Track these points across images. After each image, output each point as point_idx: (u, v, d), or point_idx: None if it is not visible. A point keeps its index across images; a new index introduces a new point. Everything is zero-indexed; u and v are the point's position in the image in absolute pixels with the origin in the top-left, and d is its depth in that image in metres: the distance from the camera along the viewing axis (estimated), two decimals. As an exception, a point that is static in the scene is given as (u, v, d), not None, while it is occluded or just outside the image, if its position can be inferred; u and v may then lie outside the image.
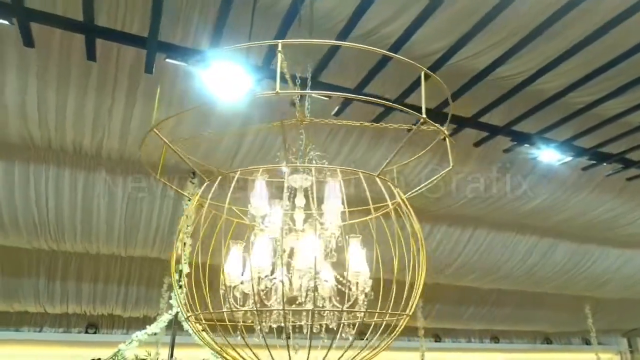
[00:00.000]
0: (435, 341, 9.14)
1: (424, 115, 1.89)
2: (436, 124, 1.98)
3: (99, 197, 4.99)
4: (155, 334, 4.87)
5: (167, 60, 3.42)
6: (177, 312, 4.74)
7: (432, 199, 5.65)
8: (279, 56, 1.77)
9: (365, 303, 2.13)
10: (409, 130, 4.29)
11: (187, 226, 5.16)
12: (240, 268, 2.09)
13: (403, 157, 5.26)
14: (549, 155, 4.83)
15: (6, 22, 2.97)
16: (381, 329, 2.03)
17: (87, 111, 4.08)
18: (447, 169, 2.47)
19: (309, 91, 2.36)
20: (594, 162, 5.04)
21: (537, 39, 3.57)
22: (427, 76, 1.91)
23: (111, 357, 4.23)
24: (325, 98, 3.92)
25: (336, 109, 3.98)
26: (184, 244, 5.02)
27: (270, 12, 3.69)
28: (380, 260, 2.37)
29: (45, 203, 4.91)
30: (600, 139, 4.78)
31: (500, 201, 6.06)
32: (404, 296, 2.06)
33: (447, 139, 2.43)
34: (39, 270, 5.97)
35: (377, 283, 2.24)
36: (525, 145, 4.73)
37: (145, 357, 4.44)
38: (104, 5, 3.57)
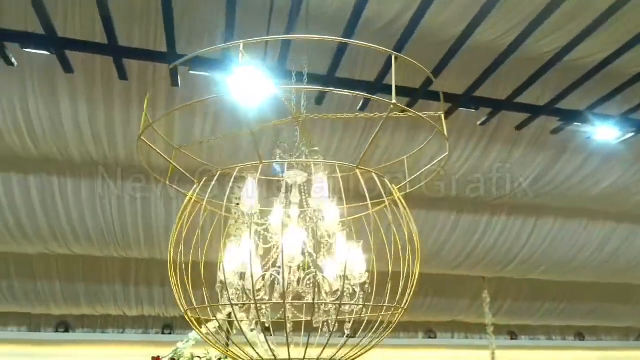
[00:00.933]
0: (511, 339, 8.66)
1: (393, 101, 1.86)
2: (409, 109, 1.92)
3: (156, 206, 5.37)
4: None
5: (191, 72, 3.63)
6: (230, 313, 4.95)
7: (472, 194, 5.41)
8: (240, 56, 1.83)
9: (362, 297, 2.12)
10: (432, 120, 4.19)
11: (237, 229, 5.39)
12: (234, 264, 2.17)
13: (439, 148, 5.09)
14: (605, 133, 4.42)
15: (46, 52, 3.33)
16: (367, 323, 2.01)
17: (132, 128, 4.42)
18: (443, 156, 2.39)
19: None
20: (661, 136, 4.54)
21: (568, 11, 3.33)
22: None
23: (170, 356, 4.52)
24: (348, 94, 3.93)
25: (360, 103, 3.97)
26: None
27: (286, 16, 3.77)
28: (387, 254, 2.34)
29: (110, 214, 5.37)
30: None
31: (561, 187, 5.65)
32: (393, 289, 2.02)
33: (442, 123, 2.36)
34: (115, 276, 6.53)
35: (378, 278, 2.22)
36: (576, 123, 4.38)
37: (202, 357, 4.69)
38: (136, 29, 3.87)
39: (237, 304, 1.91)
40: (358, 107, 3.97)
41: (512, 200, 5.96)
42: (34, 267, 6.29)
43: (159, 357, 4.48)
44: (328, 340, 1.85)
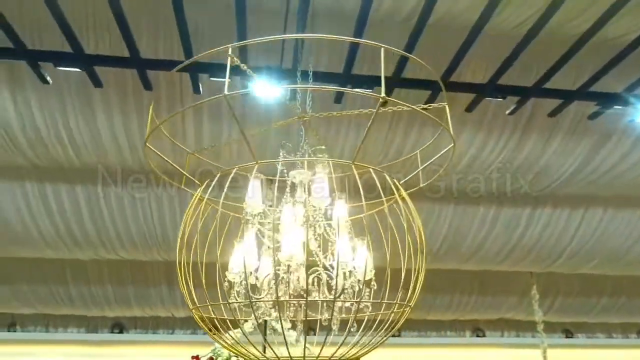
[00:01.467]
0: (566, 337, 8.25)
1: (382, 94, 1.84)
2: (399, 102, 1.89)
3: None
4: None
5: (211, 78, 3.73)
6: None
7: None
8: (229, 60, 1.88)
9: (368, 295, 2.11)
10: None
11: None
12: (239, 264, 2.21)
13: (475, 140, 4.93)
14: (650, 115, 4.13)
15: (78, 70, 3.54)
16: (373, 322, 2.00)
17: (163, 136, 4.60)
18: (448, 147, 2.34)
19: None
20: None
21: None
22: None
23: (209, 355, 4.66)
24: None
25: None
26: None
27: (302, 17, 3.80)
28: (387, 251, 2.31)
29: (151, 219, 5.61)
30: None
31: (608, 174, 5.32)
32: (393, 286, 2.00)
33: (447, 114, 2.31)
34: (160, 278, 6.81)
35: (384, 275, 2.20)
36: (615, 107, 4.12)
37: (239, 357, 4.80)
38: (160, 42, 4.04)
39: (233, 303, 1.96)
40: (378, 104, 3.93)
41: (556, 191, 5.68)
42: (88, 272, 6.68)
43: (197, 356, 4.63)
44: (325, 339, 1.85)
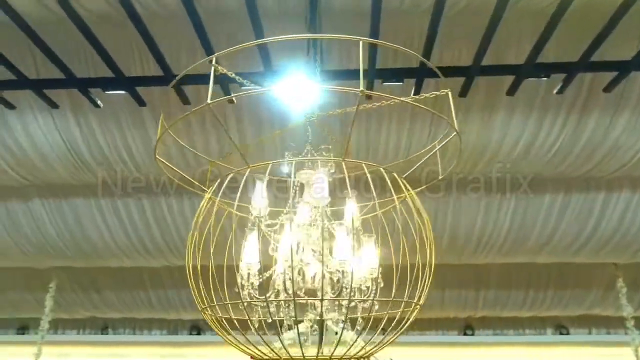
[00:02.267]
0: (667, 334, 7.39)
1: (361, 88, 1.83)
2: (380, 94, 1.83)
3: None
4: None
5: (243, 88, 3.85)
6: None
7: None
8: (212, 69, 1.95)
9: (373, 293, 2.09)
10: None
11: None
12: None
13: (527, 125, 4.64)
14: None
15: (122, 92, 3.83)
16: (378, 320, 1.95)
17: (211, 148, 4.83)
18: (451, 136, 2.24)
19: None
20: None
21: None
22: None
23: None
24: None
25: (412, 91, 3.81)
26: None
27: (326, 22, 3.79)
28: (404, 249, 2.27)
29: (210, 225, 5.89)
30: None
31: (692, 151, 4.72)
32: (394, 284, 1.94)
33: (450, 101, 2.23)
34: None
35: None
36: (684, 74, 3.64)
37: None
38: (198, 58, 4.24)
39: (229, 303, 2.01)
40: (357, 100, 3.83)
41: (632, 173, 5.14)
42: (162, 278, 7.16)
43: (254, 355, 4.79)
44: (321, 339, 1.85)
